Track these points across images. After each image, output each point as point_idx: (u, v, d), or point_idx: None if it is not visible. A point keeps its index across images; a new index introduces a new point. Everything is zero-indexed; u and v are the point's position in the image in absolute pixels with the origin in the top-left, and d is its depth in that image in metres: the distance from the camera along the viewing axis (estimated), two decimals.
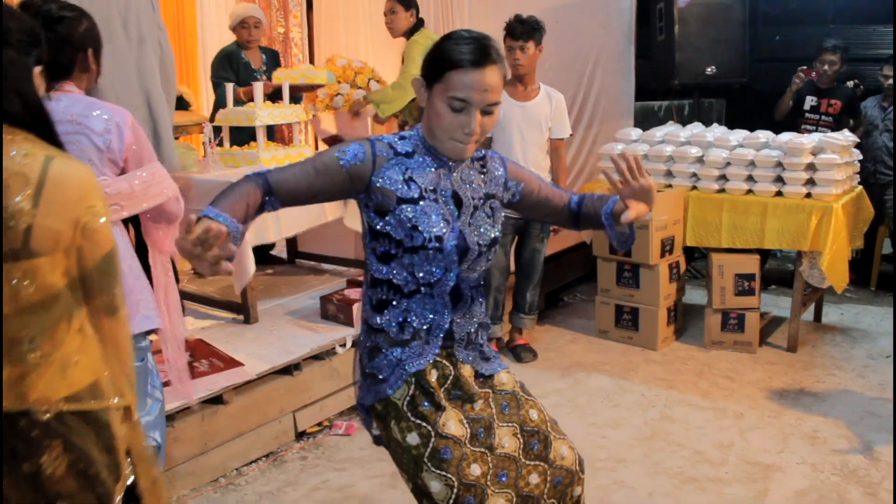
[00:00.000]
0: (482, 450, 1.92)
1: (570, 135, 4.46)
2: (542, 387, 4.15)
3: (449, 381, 1.96)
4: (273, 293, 4.59)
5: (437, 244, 1.85)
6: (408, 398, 1.90)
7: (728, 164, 4.65)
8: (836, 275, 4.45)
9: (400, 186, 1.85)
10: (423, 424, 1.87)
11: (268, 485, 3.27)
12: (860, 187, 4.94)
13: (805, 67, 5.57)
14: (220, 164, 4.23)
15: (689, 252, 5.38)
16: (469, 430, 1.92)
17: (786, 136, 4.60)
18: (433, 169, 1.90)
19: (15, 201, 1.54)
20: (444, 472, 1.85)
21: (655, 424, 3.73)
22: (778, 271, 6.22)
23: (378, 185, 1.84)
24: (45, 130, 1.64)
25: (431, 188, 1.88)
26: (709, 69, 6.20)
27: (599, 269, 4.82)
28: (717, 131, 4.95)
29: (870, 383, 4.17)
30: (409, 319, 1.92)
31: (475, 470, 1.87)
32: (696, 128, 5.08)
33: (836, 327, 5.08)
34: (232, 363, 3.47)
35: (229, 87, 4.44)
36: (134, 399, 1.78)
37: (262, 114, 4.19)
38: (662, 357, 4.57)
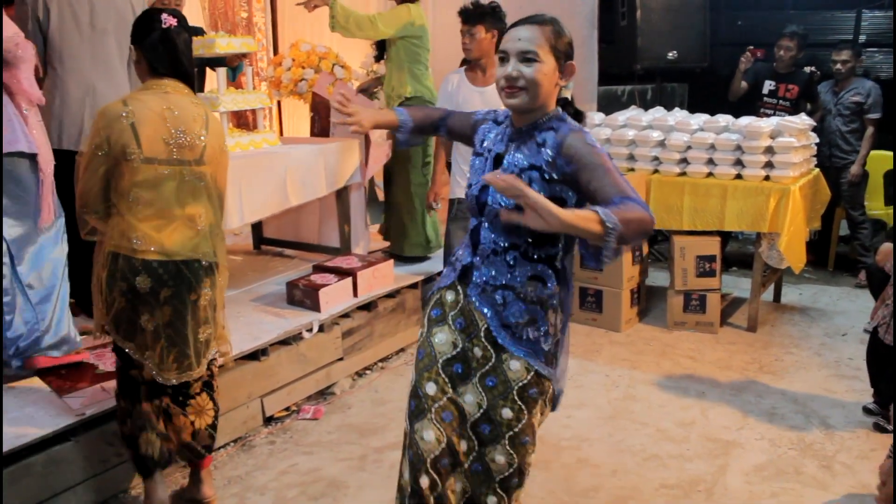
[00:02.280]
0: (445, 379, 2.15)
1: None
2: None
3: (457, 309, 2.18)
4: (239, 279, 4.58)
5: (468, 192, 2.15)
6: (431, 304, 2.26)
7: (689, 147, 4.72)
8: (794, 256, 4.55)
9: (476, 144, 2.24)
10: (425, 325, 2.24)
11: (236, 469, 3.28)
12: (817, 170, 5.04)
13: (751, 47, 5.66)
14: None
15: (652, 235, 5.46)
16: (449, 355, 2.16)
17: (745, 120, 4.68)
18: (500, 134, 2.17)
19: (198, 130, 2.67)
20: (413, 369, 2.21)
21: (619, 404, 3.80)
22: (738, 253, 6.33)
23: (473, 140, 2.26)
24: (192, 85, 2.74)
25: (489, 148, 2.17)
26: (670, 54, 6.28)
27: None
28: (679, 115, 5.01)
29: (826, 361, 4.28)
30: (455, 248, 2.32)
31: (429, 388, 2.14)
32: (657, 112, 5.14)
33: (794, 307, 5.20)
34: None
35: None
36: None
37: (226, 100, 4.16)
38: (626, 338, 4.64)
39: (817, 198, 5.05)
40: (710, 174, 4.69)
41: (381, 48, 4.77)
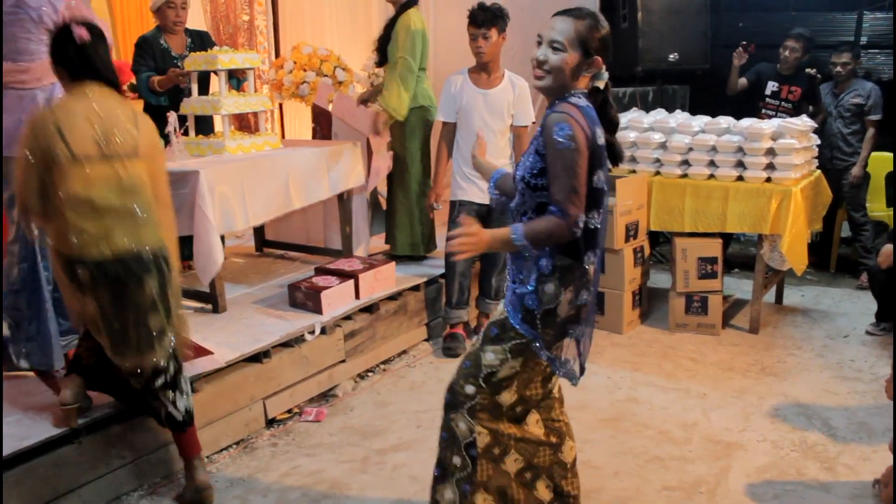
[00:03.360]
0: None
1: (534, 122, 4.49)
2: None
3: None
4: (241, 282, 4.59)
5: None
6: None
7: (690, 149, 4.73)
8: (795, 257, 4.55)
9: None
10: None
11: (239, 471, 3.29)
12: (818, 171, 5.05)
13: (744, 42, 5.65)
14: (185, 153, 4.20)
15: (654, 237, 5.46)
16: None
17: (746, 122, 4.68)
18: None
19: (128, 127, 2.76)
20: None
21: (621, 406, 3.80)
22: (740, 255, 6.33)
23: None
24: (117, 88, 2.85)
25: None
26: (671, 56, 6.28)
27: None
28: (680, 117, 5.02)
29: (828, 362, 4.28)
30: None
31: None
32: (659, 114, 5.15)
33: (796, 309, 5.20)
34: (201, 352, 3.46)
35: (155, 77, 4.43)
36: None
37: (228, 103, 4.17)
38: (628, 340, 4.65)
39: (819, 199, 5.05)
40: (711, 176, 4.69)
41: (383, 53, 4.75)
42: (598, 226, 2.31)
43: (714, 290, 4.66)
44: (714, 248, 4.64)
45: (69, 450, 2.91)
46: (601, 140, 2.25)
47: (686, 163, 4.77)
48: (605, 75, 2.30)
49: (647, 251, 4.92)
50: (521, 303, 2.32)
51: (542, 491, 2.53)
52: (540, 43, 2.26)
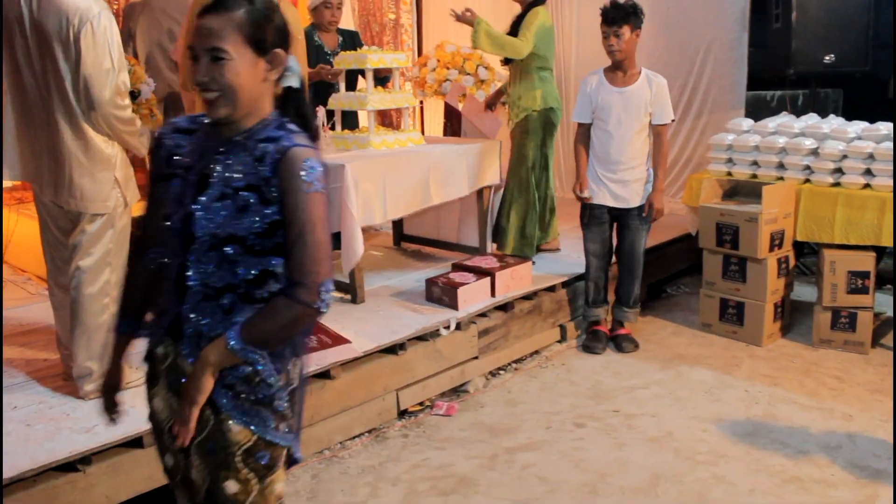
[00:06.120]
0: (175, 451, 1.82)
1: (673, 120, 4.37)
2: (644, 377, 4.14)
3: (169, 365, 1.78)
4: (379, 274, 4.72)
5: (167, 225, 1.75)
6: (143, 359, 1.86)
7: (845, 156, 4.50)
8: None
9: (161, 163, 1.84)
10: (147, 388, 1.85)
11: (370, 459, 3.38)
12: None
13: None
14: (332, 147, 4.36)
15: (799, 247, 5.23)
16: (170, 422, 1.78)
17: None
18: (196, 145, 1.81)
19: None
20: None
21: (758, 421, 3.67)
22: (890, 270, 5.98)
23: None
24: None
25: (186, 166, 1.78)
26: (827, 57, 5.97)
27: (705, 261, 4.74)
28: (835, 122, 4.79)
29: None
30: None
31: (168, 461, 1.86)
32: (811, 119, 4.93)
33: None
34: (339, 340, 3.59)
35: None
36: None
37: (374, 99, 4.30)
38: (768, 353, 4.48)
39: None
40: (867, 185, 4.45)
41: None
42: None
43: (864, 306, 4.42)
44: (866, 261, 4.40)
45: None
46: None
47: (839, 171, 4.55)
48: (297, 68, 1.78)
49: (792, 262, 4.73)
50: (266, 407, 1.78)
51: None
52: (196, 59, 1.66)
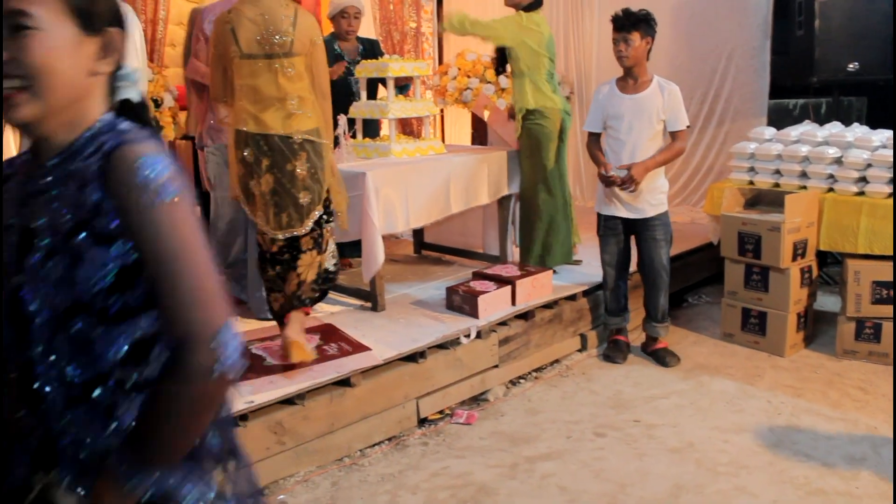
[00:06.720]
0: None
1: (689, 126, 4.33)
2: (665, 387, 4.12)
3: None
4: (399, 282, 4.73)
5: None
6: None
7: (869, 165, 4.46)
8: None
9: None
10: None
11: (390, 467, 3.38)
12: None
13: None
14: (353, 155, 4.38)
15: (822, 257, 5.19)
16: None
17: None
18: (9, 190, 1.28)
19: (285, 28, 3.25)
20: None
21: (781, 432, 3.64)
22: None
23: None
24: None
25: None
26: (851, 65, 5.93)
27: (727, 270, 4.71)
28: (859, 131, 4.75)
29: None
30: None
31: None
32: (834, 127, 4.89)
33: None
34: (360, 348, 3.61)
35: None
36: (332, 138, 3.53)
37: (395, 107, 4.32)
38: (790, 364, 4.44)
39: None
40: (891, 195, 4.41)
41: (502, 62, 4.73)
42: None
43: (889, 316, 4.37)
44: (891, 271, 4.36)
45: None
46: None
47: (863, 180, 4.51)
48: (136, 77, 1.41)
49: (815, 271, 4.69)
50: None
51: None
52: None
